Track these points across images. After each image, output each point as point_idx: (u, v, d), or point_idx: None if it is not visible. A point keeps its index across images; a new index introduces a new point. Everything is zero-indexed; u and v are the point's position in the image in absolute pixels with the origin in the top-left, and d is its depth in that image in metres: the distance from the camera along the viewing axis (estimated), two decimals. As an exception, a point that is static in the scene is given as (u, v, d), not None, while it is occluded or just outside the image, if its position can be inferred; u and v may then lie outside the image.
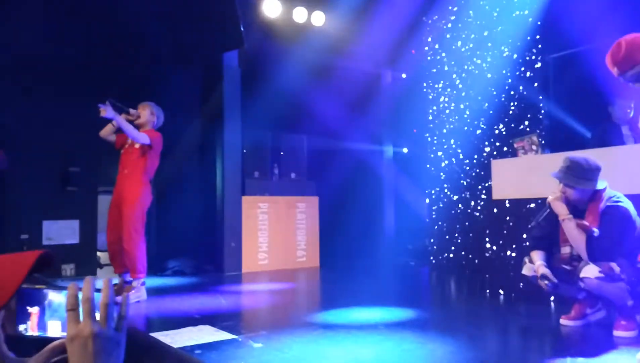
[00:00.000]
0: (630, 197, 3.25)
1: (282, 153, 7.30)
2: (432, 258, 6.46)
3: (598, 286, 3.07)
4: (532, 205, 4.50)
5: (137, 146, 4.57)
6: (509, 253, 4.85)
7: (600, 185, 3.19)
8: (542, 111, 4.93)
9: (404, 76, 8.20)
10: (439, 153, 6.28)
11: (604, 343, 3.02)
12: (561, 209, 3.22)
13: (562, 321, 3.43)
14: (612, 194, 3.18)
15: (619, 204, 3.11)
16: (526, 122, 5.01)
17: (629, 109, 4.70)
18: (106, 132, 4.60)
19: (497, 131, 5.37)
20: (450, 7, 6.15)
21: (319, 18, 7.12)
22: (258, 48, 6.77)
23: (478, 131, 5.62)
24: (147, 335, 1.39)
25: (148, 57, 6.52)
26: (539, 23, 5.00)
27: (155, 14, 6.41)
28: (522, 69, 5.15)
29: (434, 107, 6.32)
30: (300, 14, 6.99)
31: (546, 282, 3.24)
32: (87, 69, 6.08)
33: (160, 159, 4.77)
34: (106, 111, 4.28)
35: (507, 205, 4.84)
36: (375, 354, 2.85)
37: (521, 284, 4.37)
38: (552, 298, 4.06)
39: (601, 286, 3.05)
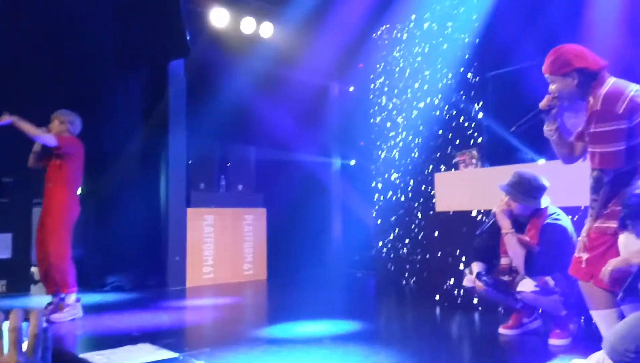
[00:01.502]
0: (571, 210, 3.38)
1: (229, 164, 7.18)
2: (378, 269, 6.51)
3: (534, 300, 3.21)
4: (474, 216, 4.63)
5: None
6: (452, 264, 4.95)
7: (543, 203, 3.30)
8: (481, 127, 5.09)
9: (351, 89, 8.30)
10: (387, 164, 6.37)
11: (540, 351, 3.14)
12: (504, 223, 3.32)
13: (501, 330, 3.54)
14: (553, 211, 3.30)
15: (559, 222, 3.24)
16: (468, 138, 5.15)
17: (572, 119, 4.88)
18: (32, 161, 4.42)
19: (440, 153, 5.47)
20: (398, 26, 6.27)
21: (267, 29, 7.11)
22: (205, 57, 6.67)
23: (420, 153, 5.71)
24: (75, 355, 1.31)
25: (89, 62, 6.29)
26: (477, 42, 5.16)
27: (98, 20, 6.21)
28: (461, 87, 5.30)
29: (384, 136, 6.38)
30: (248, 25, 6.95)
31: (484, 278, 3.35)
32: (24, 74, 5.78)
33: (101, 168, 4.59)
34: (3, 119, 4.10)
35: (449, 217, 4.95)
36: (320, 368, 2.83)
37: (460, 293, 4.48)
38: (479, 308, 4.18)
39: (537, 299, 3.20)
